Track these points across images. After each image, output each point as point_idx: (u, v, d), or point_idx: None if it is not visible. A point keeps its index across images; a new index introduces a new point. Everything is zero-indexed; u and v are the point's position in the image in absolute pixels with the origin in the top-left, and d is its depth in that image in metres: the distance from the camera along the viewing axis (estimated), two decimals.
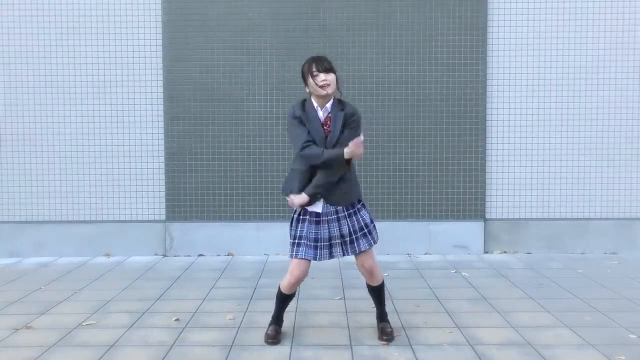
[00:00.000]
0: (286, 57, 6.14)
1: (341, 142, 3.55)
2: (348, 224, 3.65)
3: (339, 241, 3.64)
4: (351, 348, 3.65)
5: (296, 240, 3.65)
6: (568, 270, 5.59)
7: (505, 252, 6.29)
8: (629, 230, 6.30)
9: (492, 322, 4.12)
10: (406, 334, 3.88)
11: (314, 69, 3.53)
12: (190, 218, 6.26)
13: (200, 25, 6.15)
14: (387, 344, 3.71)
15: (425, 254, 6.25)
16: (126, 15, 6.19)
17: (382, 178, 6.22)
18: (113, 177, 6.27)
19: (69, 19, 6.18)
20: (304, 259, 3.62)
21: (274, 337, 3.77)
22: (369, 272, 3.73)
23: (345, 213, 3.65)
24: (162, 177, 6.27)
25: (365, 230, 3.68)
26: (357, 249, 3.66)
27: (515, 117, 6.27)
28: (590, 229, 6.30)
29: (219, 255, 6.26)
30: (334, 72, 3.57)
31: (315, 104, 3.61)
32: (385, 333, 3.77)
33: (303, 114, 3.59)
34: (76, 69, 6.22)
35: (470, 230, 6.26)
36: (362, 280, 5.19)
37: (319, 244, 3.63)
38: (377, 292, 3.85)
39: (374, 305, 4.46)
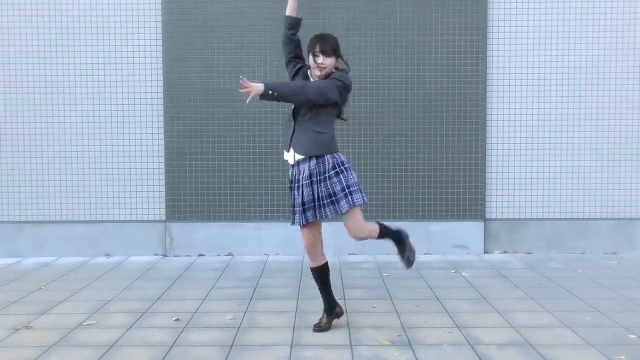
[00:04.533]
0: None
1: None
2: (336, 181, 3.67)
3: (326, 201, 3.69)
4: (351, 348, 3.65)
5: (293, 208, 3.81)
6: (568, 270, 5.59)
7: (505, 252, 6.29)
8: (629, 230, 6.30)
9: (492, 322, 4.12)
10: (406, 334, 3.88)
11: (316, 49, 3.65)
12: (190, 218, 6.26)
13: (200, 25, 6.15)
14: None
15: (425, 254, 6.25)
16: (126, 15, 6.19)
17: (382, 178, 6.22)
18: (113, 177, 6.27)
19: (69, 19, 6.18)
20: (301, 224, 3.76)
21: (322, 326, 3.88)
22: (354, 232, 3.77)
23: (326, 175, 3.70)
24: (162, 177, 6.27)
25: (348, 190, 3.67)
26: (342, 209, 3.68)
27: (515, 117, 6.27)
28: (590, 229, 6.30)
29: (219, 255, 6.26)
30: (336, 55, 3.68)
31: (313, 77, 3.78)
32: (409, 261, 3.97)
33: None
34: (76, 69, 6.21)
35: (470, 230, 6.26)
36: (361, 281, 5.21)
37: (304, 207, 3.73)
38: (384, 236, 3.94)
39: (374, 306, 4.48)
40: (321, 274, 3.91)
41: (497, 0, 6.20)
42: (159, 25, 6.19)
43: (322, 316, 3.96)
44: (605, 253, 6.29)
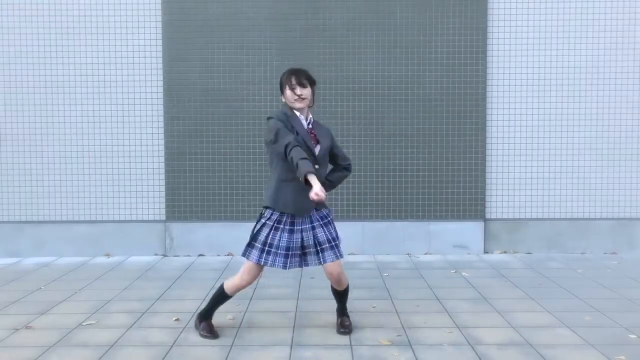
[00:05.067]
0: (286, 57, 6.14)
1: (325, 157, 3.73)
2: (324, 232, 3.70)
3: (312, 250, 3.71)
4: (351, 348, 3.65)
5: (265, 247, 3.66)
6: (568, 270, 5.59)
7: (505, 252, 6.29)
8: (629, 230, 6.30)
9: (492, 322, 4.12)
10: (406, 334, 3.88)
11: (292, 82, 3.64)
12: (190, 218, 6.26)
13: (200, 25, 6.15)
14: (347, 333, 3.85)
15: (425, 254, 6.25)
16: (126, 15, 6.19)
17: (382, 178, 6.22)
18: (113, 177, 6.27)
19: (69, 19, 6.18)
20: (273, 267, 3.65)
21: (212, 330, 3.85)
22: (337, 280, 3.81)
23: (321, 222, 3.73)
24: (162, 177, 6.27)
25: (334, 243, 3.73)
26: (325, 259, 3.70)
27: (515, 117, 6.27)
28: (590, 229, 6.30)
29: (219, 255, 6.26)
30: (312, 86, 3.70)
31: (297, 113, 3.70)
32: (344, 325, 3.90)
33: (288, 120, 3.64)
34: (76, 69, 6.22)
35: (470, 230, 6.26)
36: (361, 281, 5.21)
37: (290, 252, 3.67)
38: (342, 295, 3.96)
39: (374, 306, 4.48)
40: (227, 299, 3.88)
41: (497, 0, 6.20)
42: (159, 25, 6.19)
43: (204, 323, 3.91)
44: (605, 253, 6.29)
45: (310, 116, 3.77)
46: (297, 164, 3.38)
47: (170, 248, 6.28)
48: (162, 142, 6.26)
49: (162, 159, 6.26)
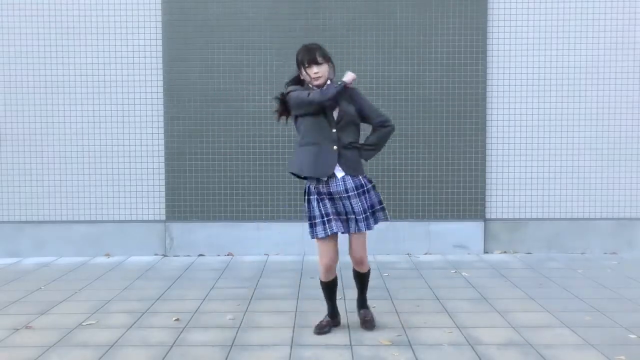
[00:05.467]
0: (286, 57, 6.14)
1: (350, 121, 3.74)
2: (359, 202, 3.74)
3: (344, 217, 3.75)
4: (351, 348, 3.65)
5: (316, 220, 3.72)
6: (568, 270, 5.59)
7: (505, 252, 6.29)
8: (629, 230, 6.30)
9: (492, 322, 4.12)
10: (406, 334, 3.88)
11: (307, 61, 3.66)
12: (190, 218, 6.26)
13: (200, 25, 6.15)
14: (371, 328, 3.88)
15: (425, 254, 6.25)
16: (126, 15, 6.19)
17: (382, 178, 6.22)
18: (113, 177, 6.27)
19: (69, 19, 6.18)
20: (329, 233, 3.69)
21: (323, 326, 3.87)
22: (358, 259, 3.85)
23: (356, 192, 3.74)
24: (162, 177, 6.27)
25: (367, 214, 3.77)
26: (351, 228, 3.75)
27: (515, 117, 6.27)
28: (590, 229, 6.30)
29: (219, 255, 6.26)
30: (327, 61, 3.70)
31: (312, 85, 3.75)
32: (365, 321, 3.92)
33: (299, 86, 3.75)
34: (76, 69, 6.22)
35: (470, 230, 6.26)
36: None
37: (333, 217, 3.70)
38: (363, 279, 3.98)
39: (374, 306, 4.47)
40: (333, 286, 3.92)
41: (497, 0, 6.20)
42: (159, 25, 6.19)
43: (325, 318, 3.96)
44: (605, 253, 6.29)
45: (329, 82, 3.74)
46: (313, 98, 3.59)
47: (170, 248, 6.28)
48: (162, 142, 6.26)
49: (162, 159, 6.26)
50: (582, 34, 6.21)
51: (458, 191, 6.24)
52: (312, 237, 3.75)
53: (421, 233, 6.26)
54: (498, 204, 6.31)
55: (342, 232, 3.76)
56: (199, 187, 6.23)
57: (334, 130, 3.68)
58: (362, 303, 4.02)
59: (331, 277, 3.86)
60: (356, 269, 3.94)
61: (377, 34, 6.16)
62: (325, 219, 3.70)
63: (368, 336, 3.84)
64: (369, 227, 3.78)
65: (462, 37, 6.16)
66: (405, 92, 6.19)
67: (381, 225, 6.17)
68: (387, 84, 6.18)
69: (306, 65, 3.66)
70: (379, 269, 5.62)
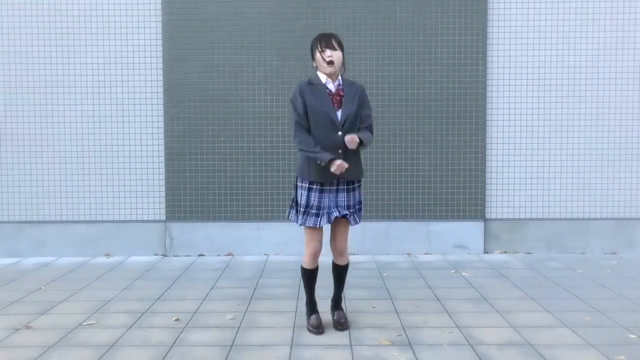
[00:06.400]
0: (286, 57, 6.14)
1: (354, 121, 3.75)
2: (345, 197, 3.81)
3: (334, 209, 3.79)
4: (351, 348, 3.65)
5: (307, 210, 3.77)
6: (568, 270, 5.59)
7: (505, 252, 6.29)
8: (629, 230, 6.30)
9: (492, 322, 4.12)
10: (406, 334, 3.88)
11: (322, 45, 3.70)
12: (190, 218, 6.26)
13: (200, 25, 6.15)
14: (345, 329, 3.90)
15: (425, 254, 6.25)
16: (126, 15, 6.19)
17: (382, 178, 6.22)
18: (113, 177, 6.27)
19: (69, 19, 6.18)
20: (314, 225, 3.76)
21: (318, 326, 3.89)
22: (340, 250, 3.90)
23: (345, 187, 3.81)
24: (162, 177, 6.27)
25: (354, 209, 3.85)
26: (341, 214, 3.78)
27: (515, 117, 6.27)
28: (590, 229, 6.30)
29: (219, 255, 6.26)
30: (341, 50, 3.74)
31: (324, 78, 3.75)
32: (340, 323, 3.94)
33: (308, 87, 3.74)
34: (76, 69, 6.22)
35: (470, 230, 6.26)
36: (361, 281, 5.20)
37: (321, 211, 3.77)
38: (342, 272, 4.01)
39: (374, 306, 4.47)
40: (315, 275, 3.98)
41: (497, 0, 6.20)
42: (159, 25, 6.19)
43: (313, 318, 3.96)
44: (605, 253, 6.29)
45: (340, 79, 3.78)
46: (313, 158, 3.66)
47: (170, 248, 6.28)
48: (162, 142, 6.26)
49: (162, 159, 6.26)
50: (582, 34, 6.21)
51: (458, 191, 6.24)
52: (300, 224, 3.81)
53: (421, 233, 6.26)
54: (498, 204, 6.31)
55: (329, 223, 3.81)
56: (199, 187, 6.23)
57: (340, 133, 3.70)
58: (337, 303, 4.05)
59: (315, 265, 3.92)
60: (336, 261, 3.97)
61: (377, 34, 6.16)
62: (318, 211, 3.76)
63: (368, 336, 3.84)
64: (355, 222, 3.86)
65: (462, 37, 6.16)
66: (405, 92, 6.19)
67: (381, 225, 6.24)
68: (387, 84, 6.18)
69: (320, 49, 3.69)
70: (379, 269, 5.62)
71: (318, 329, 3.89)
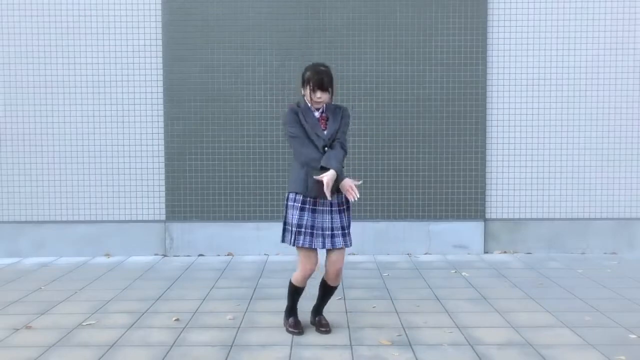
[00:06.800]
0: (286, 57, 6.14)
1: (337, 136, 3.74)
2: (338, 218, 3.76)
3: (328, 233, 3.73)
4: (351, 348, 3.65)
5: (296, 229, 3.72)
6: (568, 270, 5.59)
7: (505, 252, 6.29)
8: (629, 230, 6.30)
9: (492, 322, 4.12)
10: (406, 334, 3.88)
11: (314, 84, 3.68)
12: (190, 218, 6.26)
13: (200, 25, 6.15)
14: (328, 332, 3.88)
15: (425, 254, 6.25)
16: (126, 15, 6.19)
17: (382, 178, 6.22)
18: (113, 177, 6.27)
19: (69, 19, 6.18)
20: (305, 246, 3.71)
21: (296, 325, 3.90)
22: (336, 273, 3.81)
23: (338, 208, 3.76)
24: (162, 177, 6.27)
25: (347, 230, 3.80)
26: (334, 244, 3.73)
27: (515, 117, 6.27)
28: (590, 229, 6.30)
29: (219, 255, 6.26)
30: (331, 87, 3.75)
31: (309, 105, 3.78)
32: (322, 324, 3.93)
33: (300, 110, 3.75)
34: (76, 69, 6.22)
35: (470, 230, 6.26)
36: (361, 281, 5.20)
37: (314, 231, 3.72)
38: (329, 293, 3.97)
39: (374, 306, 4.47)
40: (301, 292, 3.97)
41: (497, 0, 6.20)
42: (159, 25, 6.19)
43: (291, 319, 3.97)
44: (605, 253, 6.29)
45: (324, 106, 3.78)
46: (312, 167, 3.65)
47: (170, 248, 6.28)
48: (162, 142, 6.26)
49: (162, 159, 6.26)
50: (582, 34, 6.21)
51: (458, 191, 6.24)
52: (291, 244, 3.74)
53: (421, 233, 6.26)
54: (498, 204, 6.31)
55: (323, 248, 3.76)
56: (199, 187, 6.23)
57: (326, 148, 3.69)
58: (319, 311, 4.03)
59: (305, 284, 3.90)
60: (330, 283, 3.88)
61: (377, 34, 6.16)
62: (312, 231, 3.71)
63: (368, 336, 3.84)
64: (346, 245, 3.78)
65: (462, 37, 6.16)
66: (405, 92, 6.19)
67: (381, 225, 6.24)
68: (387, 84, 6.18)
69: (311, 88, 3.69)
70: (379, 269, 5.62)
71: (296, 328, 3.89)
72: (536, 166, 6.29)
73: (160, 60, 6.21)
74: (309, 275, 3.82)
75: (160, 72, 6.21)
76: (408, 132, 6.21)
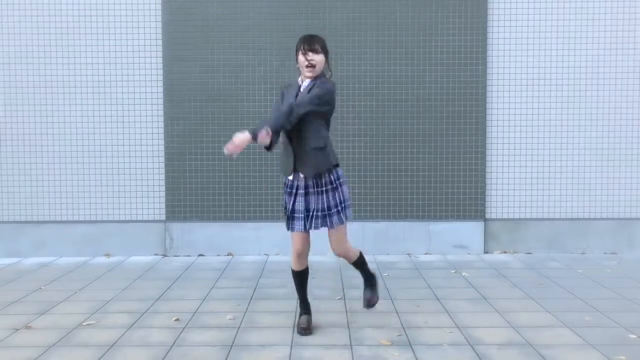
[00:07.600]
0: (286, 57, 6.14)
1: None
2: (327, 198, 3.73)
3: (316, 214, 3.73)
4: (351, 348, 3.65)
5: (290, 214, 3.82)
6: (568, 270, 5.59)
7: (505, 252, 6.29)
8: (629, 230, 6.30)
9: (492, 322, 4.12)
10: (406, 334, 3.88)
11: (305, 47, 3.68)
12: (190, 218, 6.26)
13: (200, 25, 6.15)
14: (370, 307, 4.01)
15: (425, 254, 6.25)
16: (126, 15, 6.19)
17: (382, 178, 6.22)
18: (113, 177, 6.27)
19: (69, 19, 6.18)
20: (299, 231, 3.78)
21: (306, 327, 3.89)
22: (341, 253, 3.88)
23: (323, 188, 3.74)
24: (162, 177, 6.27)
25: (336, 209, 3.74)
26: (329, 223, 3.74)
27: (515, 117, 6.27)
28: (590, 229, 6.30)
29: (219, 255, 6.26)
30: (325, 53, 3.73)
31: (300, 82, 3.79)
32: (367, 300, 4.04)
33: (286, 87, 3.85)
34: (76, 69, 6.22)
35: (470, 230, 6.26)
36: (362, 281, 5.18)
37: (309, 214, 3.75)
38: (356, 267, 4.05)
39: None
40: (303, 277, 3.99)
41: (497, 0, 6.20)
42: (159, 25, 6.19)
43: (303, 318, 3.96)
44: (605, 253, 6.29)
45: (317, 81, 3.70)
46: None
47: (170, 248, 6.28)
48: (162, 142, 6.26)
49: (162, 159, 6.26)
50: (582, 34, 6.21)
51: (458, 191, 6.24)
52: (287, 230, 3.86)
53: (421, 233, 6.26)
54: (498, 204, 6.31)
55: (314, 229, 3.77)
56: (199, 187, 6.23)
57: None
58: (366, 280, 4.07)
59: (302, 267, 3.93)
60: (347, 262, 4.01)
61: (377, 34, 6.16)
62: (293, 214, 3.78)
63: (368, 336, 3.84)
64: (341, 222, 3.76)
65: (462, 37, 6.16)
66: (405, 92, 6.19)
67: (381, 225, 6.24)
68: (387, 84, 6.18)
69: (303, 51, 3.69)
70: (379, 269, 5.62)
71: (305, 330, 3.87)
72: (536, 166, 6.29)
73: (160, 60, 6.21)
74: (300, 255, 3.86)
75: (160, 72, 6.21)
76: (408, 132, 6.21)
